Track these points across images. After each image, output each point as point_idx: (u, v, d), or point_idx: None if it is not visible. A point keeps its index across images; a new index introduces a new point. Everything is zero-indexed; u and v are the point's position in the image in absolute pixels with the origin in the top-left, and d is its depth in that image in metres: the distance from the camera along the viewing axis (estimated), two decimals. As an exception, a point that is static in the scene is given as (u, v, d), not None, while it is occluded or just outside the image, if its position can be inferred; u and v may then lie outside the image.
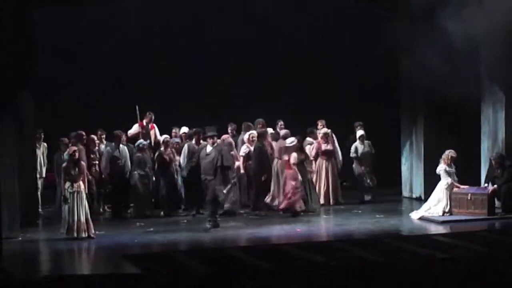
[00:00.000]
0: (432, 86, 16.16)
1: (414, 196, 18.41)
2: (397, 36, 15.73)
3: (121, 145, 16.64)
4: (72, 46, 18.78)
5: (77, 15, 18.24)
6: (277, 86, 19.52)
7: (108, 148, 16.64)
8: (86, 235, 14.19)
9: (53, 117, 17.84)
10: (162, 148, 16.70)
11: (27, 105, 15.55)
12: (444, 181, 15.92)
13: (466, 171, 16.43)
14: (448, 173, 15.90)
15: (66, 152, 15.21)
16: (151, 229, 15.19)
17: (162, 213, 16.55)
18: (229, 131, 17.65)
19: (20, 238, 14.44)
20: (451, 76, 15.04)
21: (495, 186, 15.88)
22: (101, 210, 16.98)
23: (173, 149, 16.90)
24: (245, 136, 17.39)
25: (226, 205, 16.31)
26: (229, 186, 16.08)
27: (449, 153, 15.94)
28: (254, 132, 17.28)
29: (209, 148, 15.27)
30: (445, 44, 15.30)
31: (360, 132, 18.12)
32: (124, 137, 16.90)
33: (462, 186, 15.97)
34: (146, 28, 19.20)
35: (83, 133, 16.54)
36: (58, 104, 18.40)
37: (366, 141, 18.15)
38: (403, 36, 15.73)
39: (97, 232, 14.45)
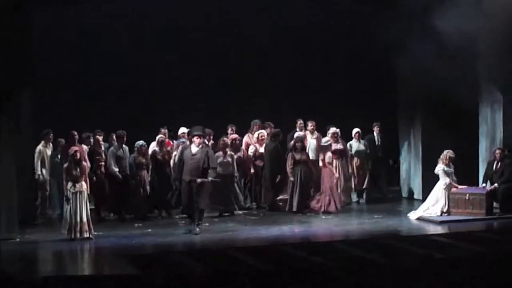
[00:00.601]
0: (430, 86, 16.18)
1: (412, 196, 18.42)
2: (394, 35, 15.74)
3: (123, 145, 16.61)
4: (72, 46, 18.80)
5: (76, 15, 18.21)
6: (274, 86, 19.53)
7: (112, 148, 16.57)
8: (88, 235, 14.19)
9: (52, 116, 17.80)
10: (156, 148, 16.66)
11: (26, 105, 15.54)
12: (443, 181, 15.92)
13: (464, 171, 16.45)
14: (447, 173, 15.91)
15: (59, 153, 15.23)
16: (149, 230, 15.18)
17: (160, 216, 16.52)
18: (229, 132, 17.64)
19: (18, 239, 14.40)
20: (449, 76, 15.06)
21: (495, 185, 15.89)
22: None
23: (170, 149, 16.89)
24: (254, 136, 17.49)
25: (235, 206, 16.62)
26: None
27: (447, 153, 15.96)
28: (263, 132, 17.40)
29: (194, 149, 14.79)
30: (443, 44, 15.31)
31: (355, 130, 18.13)
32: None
33: (460, 186, 15.99)
34: (145, 28, 19.19)
35: (75, 133, 16.44)
36: (56, 104, 18.35)
37: (362, 140, 18.16)
38: (400, 36, 15.73)
39: (95, 233, 14.43)
